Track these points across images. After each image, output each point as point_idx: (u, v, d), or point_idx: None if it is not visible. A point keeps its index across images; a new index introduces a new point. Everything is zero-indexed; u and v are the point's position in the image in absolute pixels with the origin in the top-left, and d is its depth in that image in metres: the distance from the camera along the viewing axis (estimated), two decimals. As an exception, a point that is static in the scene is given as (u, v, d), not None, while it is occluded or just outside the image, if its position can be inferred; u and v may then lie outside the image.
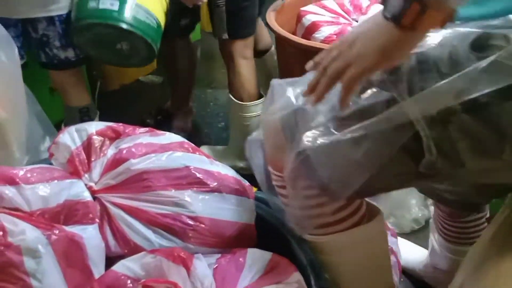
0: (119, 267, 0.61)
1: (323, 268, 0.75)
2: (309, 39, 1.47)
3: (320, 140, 0.60)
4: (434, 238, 1.12)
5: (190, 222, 0.69)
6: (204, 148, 1.44)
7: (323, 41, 1.45)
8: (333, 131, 0.59)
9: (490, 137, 0.54)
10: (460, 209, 0.93)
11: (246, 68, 1.40)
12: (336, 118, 0.60)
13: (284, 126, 0.65)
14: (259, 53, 1.56)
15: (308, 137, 0.61)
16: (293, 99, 0.65)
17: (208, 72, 2.08)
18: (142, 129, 0.79)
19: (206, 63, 2.01)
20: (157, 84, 1.99)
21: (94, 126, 0.78)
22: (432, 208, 1.47)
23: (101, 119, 1.22)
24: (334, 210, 0.67)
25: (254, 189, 1.16)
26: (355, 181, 0.60)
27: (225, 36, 1.33)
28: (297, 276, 0.65)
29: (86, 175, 0.74)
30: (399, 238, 1.39)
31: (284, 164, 0.64)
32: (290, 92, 0.66)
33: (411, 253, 1.37)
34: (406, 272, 1.38)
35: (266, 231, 0.77)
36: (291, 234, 0.80)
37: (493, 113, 0.53)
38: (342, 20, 1.48)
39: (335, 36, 1.45)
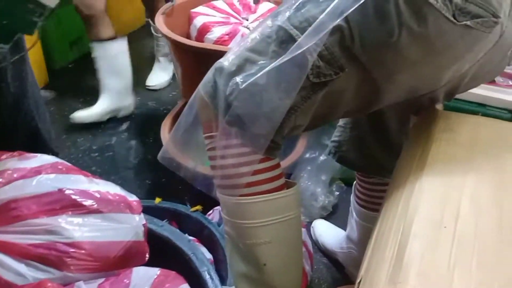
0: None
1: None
2: (202, 41, 1.46)
3: (239, 84, 0.64)
4: (351, 208, 1.17)
5: (67, 249, 0.64)
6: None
7: (215, 42, 1.44)
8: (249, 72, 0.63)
9: (374, 22, 0.59)
10: (365, 171, 0.98)
11: None
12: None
13: (205, 88, 0.68)
14: None
15: (229, 86, 0.65)
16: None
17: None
18: (9, 154, 0.73)
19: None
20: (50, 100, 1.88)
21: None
22: (337, 193, 1.54)
23: None
24: (260, 170, 0.70)
25: (158, 200, 1.13)
26: (277, 116, 0.65)
27: None
28: (185, 287, 0.63)
29: None
30: (320, 220, 1.43)
31: (214, 123, 0.69)
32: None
33: (328, 233, 1.42)
34: (321, 258, 1.41)
35: (159, 245, 0.74)
36: (188, 247, 0.79)
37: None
38: (232, 19, 1.48)
39: (227, 36, 1.45)
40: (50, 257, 0.63)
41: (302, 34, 0.61)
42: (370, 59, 0.61)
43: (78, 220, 0.67)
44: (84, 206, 0.68)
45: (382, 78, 0.63)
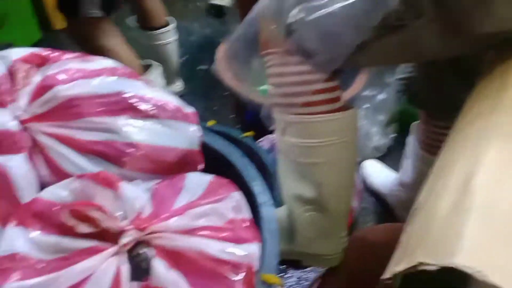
0: (46, 193, 0.58)
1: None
2: None
3: (308, 15, 0.62)
4: (408, 152, 1.13)
5: (125, 148, 0.65)
6: None
7: None
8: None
9: None
10: (438, 112, 0.94)
11: None
12: None
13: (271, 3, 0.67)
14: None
15: (298, 11, 0.63)
16: None
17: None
18: (71, 54, 0.74)
19: None
20: None
21: (18, 52, 0.72)
22: (392, 135, 1.48)
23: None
24: (320, 90, 0.70)
25: (211, 122, 1.13)
26: (343, 53, 0.63)
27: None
28: (236, 195, 0.63)
29: (12, 105, 0.69)
30: (371, 160, 1.41)
31: (275, 41, 0.68)
32: None
33: (379, 174, 1.40)
34: (370, 194, 1.39)
35: (217, 163, 0.75)
36: (243, 164, 0.79)
37: None
38: None
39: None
40: (109, 154, 0.65)
41: None
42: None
43: (136, 122, 0.67)
44: (143, 110, 0.68)
45: (468, 25, 0.57)
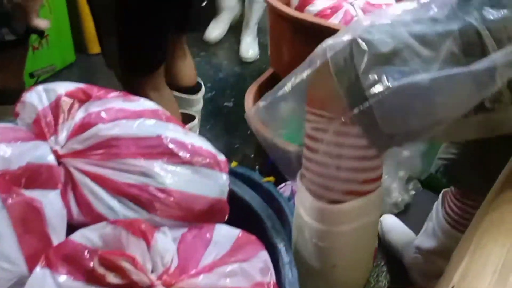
0: (77, 236, 0.58)
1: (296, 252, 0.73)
2: (302, 11, 1.42)
3: (392, 82, 0.50)
4: (432, 218, 1.10)
5: (158, 193, 0.66)
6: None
7: (316, 15, 1.40)
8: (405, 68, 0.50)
9: None
10: (474, 190, 0.88)
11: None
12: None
13: (335, 56, 0.55)
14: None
15: (377, 79, 0.51)
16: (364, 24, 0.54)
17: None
18: (115, 93, 0.75)
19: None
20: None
21: (63, 87, 0.73)
22: (412, 193, 1.47)
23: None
24: (377, 167, 0.62)
25: (235, 164, 1.14)
26: (424, 134, 0.53)
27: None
28: (263, 255, 0.62)
29: (52, 138, 0.70)
30: (390, 215, 1.39)
31: (332, 104, 0.57)
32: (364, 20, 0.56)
33: (398, 231, 1.37)
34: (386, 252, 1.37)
35: (240, 210, 0.74)
36: (266, 215, 0.78)
37: None
38: (338, -6, 1.43)
39: (329, 10, 1.40)
40: (141, 198, 0.65)
41: (497, 43, 0.48)
42: None
43: (171, 168, 0.68)
44: (179, 156, 0.69)
45: None
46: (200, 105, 1.44)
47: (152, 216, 0.65)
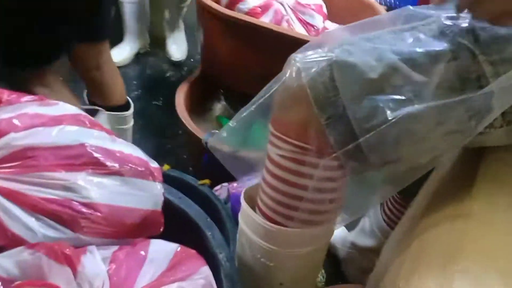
0: (-13, 265, 0.50)
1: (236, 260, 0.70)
2: (233, 9, 1.39)
3: (390, 115, 0.45)
4: (370, 216, 1.11)
5: (83, 209, 0.59)
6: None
7: (247, 13, 1.37)
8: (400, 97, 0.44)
9: None
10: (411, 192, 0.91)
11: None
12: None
13: (313, 80, 0.47)
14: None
15: (372, 111, 0.45)
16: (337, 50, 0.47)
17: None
18: (29, 97, 0.67)
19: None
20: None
21: (-34, 91, 0.64)
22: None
23: None
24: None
25: (167, 167, 1.07)
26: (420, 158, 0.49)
27: None
28: (205, 270, 0.58)
29: (-47, 150, 0.60)
30: None
31: (311, 135, 0.50)
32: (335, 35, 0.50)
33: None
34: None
35: (176, 220, 0.70)
36: (205, 224, 0.74)
37: None
38: (268, -9, 1.41)
39: (259, 8, 1.38)
40: (63, 215, 0.58)
41: (493, 65, 0.44)
42: None
43: (97, 179, 0.61)
44: (106, 165, 0.63)
45: None
46: (132, 121, 1.37)
47: (78, 235, 0.59)
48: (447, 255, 0.49)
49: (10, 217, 0.58)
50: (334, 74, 0.46)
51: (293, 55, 0.51)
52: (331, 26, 1.47)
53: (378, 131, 0.45)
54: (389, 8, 1.51)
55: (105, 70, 1.20)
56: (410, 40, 0.45)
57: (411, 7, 0.50)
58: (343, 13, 1.55)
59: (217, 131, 1.48)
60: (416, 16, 0.48)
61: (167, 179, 0.98)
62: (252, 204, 0.66)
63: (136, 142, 1.57)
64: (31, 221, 0.58)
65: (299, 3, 1.42)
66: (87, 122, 0.67)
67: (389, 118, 0.44)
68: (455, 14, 0.45)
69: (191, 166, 1.55)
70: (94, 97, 1.26)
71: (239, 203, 1.09)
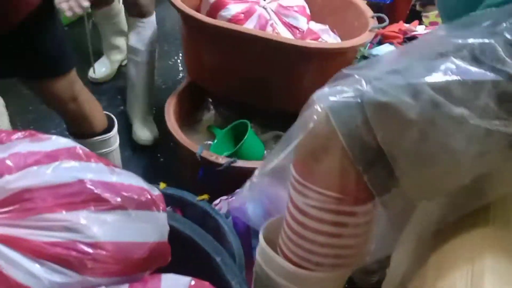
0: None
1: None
2: (215, 17, 1.36)
3: None
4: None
5: (88, 250, 0.56)
6: None
7: (230, 20, 1.35)
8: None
9: None
10: None
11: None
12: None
13: (349, 129, 0.44)
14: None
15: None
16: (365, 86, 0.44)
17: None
18: (19, 134, 0.64)
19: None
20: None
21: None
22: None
23: None
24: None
25: (163, 185, 1.05)
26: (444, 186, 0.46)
27: None
28: (221, 303, 0.57)
29: None
30: None
31: (345, 184, 0.48)
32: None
33: None
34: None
35: (182, 247, 0.67)
36: (213, 248, 0.72)
37: None
38: (249, -3, 1.39)
39: (242, 14, 1.36)
40: (69, 258, 0.56)
41: None
42: None
43: (100, 217, 0.59)
44: (107, 201, 0.60)
45: None
46: (118, 140, 1.33)
47: (85, 277, 0.56)
48: (471, 256, 0.48)
49: (12, 265, 0.55)
50: (368, 116, 0.43)
51: (314, 96, 0.48)
52: (315, 27, 1.45)
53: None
54: (371, 4, 1.50)
55: (81, 100, 1.17)
56: (443, 68, 0.42)
57: (443, 26, 0.48)
58: (325, 11, 1.53)
59: (210, 142, 1.46)
60: (445, 41, 0.45)
61: (166, 198, 0.96)
62: (269, 240, 0.63)
63: (126, 159, 1.55)
64: (35, 267, 0.55)
65: (281, 6, 1.41)
66: (82, 155, 0.65)
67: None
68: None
69: (186, 178, 1.52)
70: (74, 128, 1.23)
71: (239, 217, 1.07)
